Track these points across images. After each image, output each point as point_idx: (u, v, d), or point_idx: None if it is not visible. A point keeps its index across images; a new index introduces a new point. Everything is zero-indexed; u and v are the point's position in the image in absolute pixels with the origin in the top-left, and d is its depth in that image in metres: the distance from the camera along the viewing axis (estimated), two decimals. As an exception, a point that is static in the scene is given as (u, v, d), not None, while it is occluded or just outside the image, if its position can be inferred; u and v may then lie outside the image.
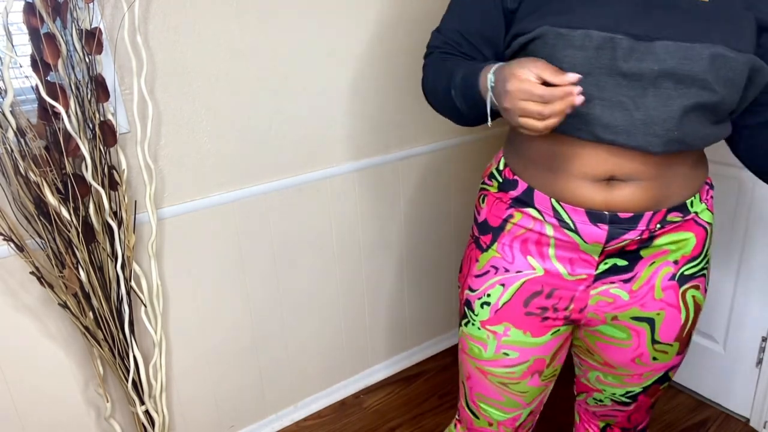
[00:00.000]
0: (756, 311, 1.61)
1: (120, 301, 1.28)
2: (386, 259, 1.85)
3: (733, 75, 0.73)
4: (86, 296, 1.23)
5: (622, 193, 0.80)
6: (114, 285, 1.27)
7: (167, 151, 1.37)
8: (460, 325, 0.99)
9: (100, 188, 1.19)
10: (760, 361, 1.63)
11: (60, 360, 1.34)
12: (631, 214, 0.81)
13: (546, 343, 0.93)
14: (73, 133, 1.13)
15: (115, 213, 1.25)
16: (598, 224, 0.82)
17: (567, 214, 0.84)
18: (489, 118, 0.78)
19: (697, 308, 0.93)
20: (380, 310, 1.90)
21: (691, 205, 0.86)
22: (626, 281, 0.88)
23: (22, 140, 1.10)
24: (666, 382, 0.99)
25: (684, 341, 0.94)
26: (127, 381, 1.33)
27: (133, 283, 1.32)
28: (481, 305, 0.93)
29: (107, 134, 1.20)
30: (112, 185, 1.24)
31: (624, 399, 1.01)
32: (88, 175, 1.18)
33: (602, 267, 0.87)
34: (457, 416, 1.12)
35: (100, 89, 1.17)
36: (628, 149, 0.77)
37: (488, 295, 0.92)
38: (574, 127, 0.78)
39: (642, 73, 0.73)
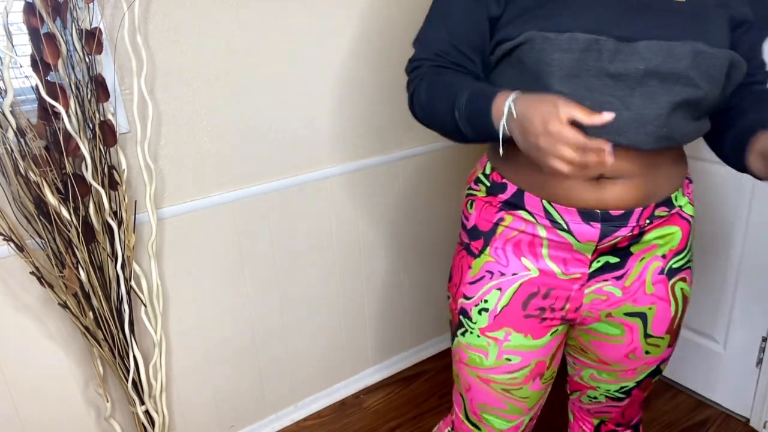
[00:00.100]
0: (756, 311, 1.61)
1: (120, 301, 1.28)
2: (386, 259, 1.86)
3: (714, 71, 0.77)
4: (86, 296, 1.23)
5: (613, 191, 0.82)
6: (114, 285, 1.27)
7: (167, 151, 1.37)
8: (455, 336, 0.97)
9: (100, 188, 1.20)
10: (760, 361, 1.63)
11: (60, 360, 1.34)
12: (622, 211, 0.83)
13: (546, 345, 0.93)
14: (73, 133, 1.13)
15: (115, 213, 1.25)
16: (591, 223, 0.83)
17: (559, 214, 0.84)
18: (501, 148, 0.79)
19: (685, 300, 0.96)
20: (380, 310, 1.90)
21: (676, 199, 0.88)
22: (618, 278, 0.89)
23: (22, 140, 1.10)
24: (657, 375, 1.01)
25: (674, 333, 0.97)
26: (127, 381, 1.34)
27: (133, 283, 1.32)
28: (479, 312, 0.92)
29: (107, 134, 1.20)
30: (112, 185, 1.24)
31: (618, 395, 1.02)
32: (88, 175, 1.18)
33: (595, 265, 0.88)
34: (450, 429, 1.11)
35: (100, 89, 1.17)
36: (619, 147, 0.78)
37: (485, 301, 0.92)
38: None
39: (628, 73, 0.75)
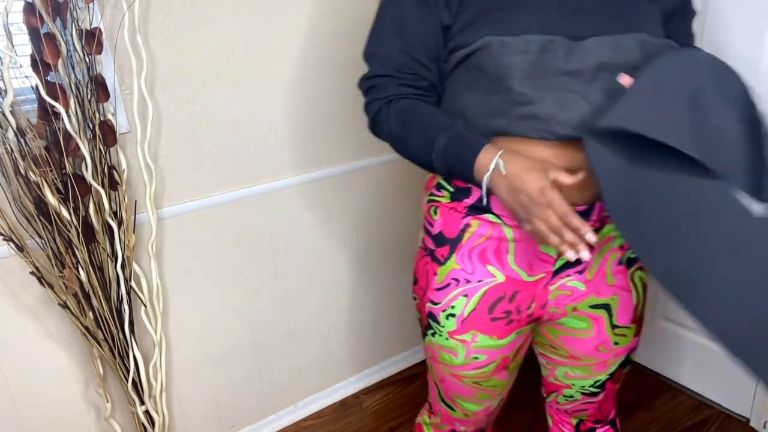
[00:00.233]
0: (756, 311, 1.61)
1: (120, 301, 1.28)
2: (386, 258, 1.86)
3: None
4: (86, 296, 1.23)
5: (577, 187, 0.82)
6: (114, 285, 1.27)
7: (167, 151, 1.37)
8: (425, 335, 1.00)
9: (100, 188, 1.20)
10: (760, 361, 1.63)
11: (60, 360, 1.34)
12: (585, 207, 0.85)
13: (510, 343, 0.96)
14: (73, 133, 1.13)
15: (115, 213, 1.25)
16: None
17: None
18: (485, 198, 0.83)
19: (644, 288, 0.98)
20: (380, 310, 1.90)
21: None
22: (580, 272, 0.91)
23: (22, 140, 1.10)
24: (628, 365, 1.03)
25: (639, 322, 0.99)
26: (127, 381, 1.34)
27: (133, 283, 1.32)
28: (446, 317, 0.94)
29: (107, 134, 1.20)
30: (112, 185, 1.24)
31: (593, 389, 1.04)
32: (88, 175, 1.18)
33: (559, 263, 0.90)
34: (429, 409, 1.15)
35: (100, 89, 1.17)
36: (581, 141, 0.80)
37: (452, 307, 0.93)
38: (532, 128, 0.80)
39: (583, 69, 0.78)
